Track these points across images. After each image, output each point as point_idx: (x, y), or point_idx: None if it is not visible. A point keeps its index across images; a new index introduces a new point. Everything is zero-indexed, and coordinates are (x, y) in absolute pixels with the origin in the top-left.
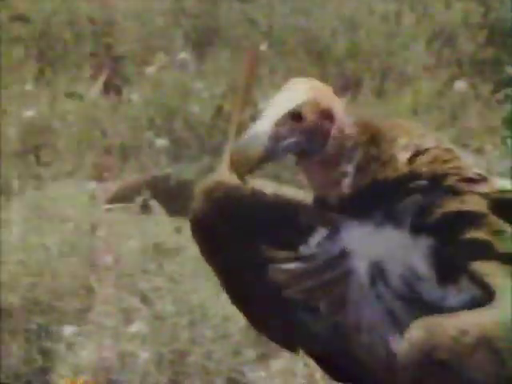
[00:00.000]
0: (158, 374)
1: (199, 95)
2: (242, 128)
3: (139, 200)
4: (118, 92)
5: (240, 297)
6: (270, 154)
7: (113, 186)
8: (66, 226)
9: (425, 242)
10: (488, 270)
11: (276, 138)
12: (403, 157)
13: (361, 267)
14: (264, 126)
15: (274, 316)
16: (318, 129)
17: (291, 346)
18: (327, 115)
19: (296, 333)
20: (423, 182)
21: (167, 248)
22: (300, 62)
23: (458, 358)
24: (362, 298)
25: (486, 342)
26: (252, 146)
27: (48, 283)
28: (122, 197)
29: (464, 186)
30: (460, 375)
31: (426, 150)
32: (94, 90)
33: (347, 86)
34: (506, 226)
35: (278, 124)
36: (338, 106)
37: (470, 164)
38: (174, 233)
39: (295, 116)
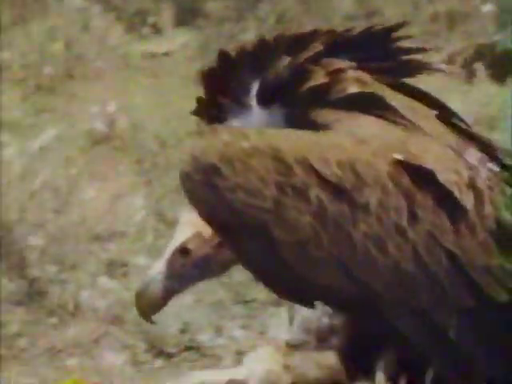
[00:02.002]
0: None
1: None
2: None
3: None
4: None
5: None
6: (170, 292)
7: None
8: None
9: (278, 111)
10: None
11: (171, 276)
12: None
13: None
14: (158, 267)
15: (282, 275)
16: (209, 257)
17: (308, 302)
18: (214, 244)
19: (310, 288)
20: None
21: None
22: None
23: (229, 162)
24: None
25: (271, 151)
26: (150, 290)
27: None
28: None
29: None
30: (230, 184)
31: None
32: None
33: None
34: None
35: (170, 262)
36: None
37: None
38: None
39: (183, 251)
